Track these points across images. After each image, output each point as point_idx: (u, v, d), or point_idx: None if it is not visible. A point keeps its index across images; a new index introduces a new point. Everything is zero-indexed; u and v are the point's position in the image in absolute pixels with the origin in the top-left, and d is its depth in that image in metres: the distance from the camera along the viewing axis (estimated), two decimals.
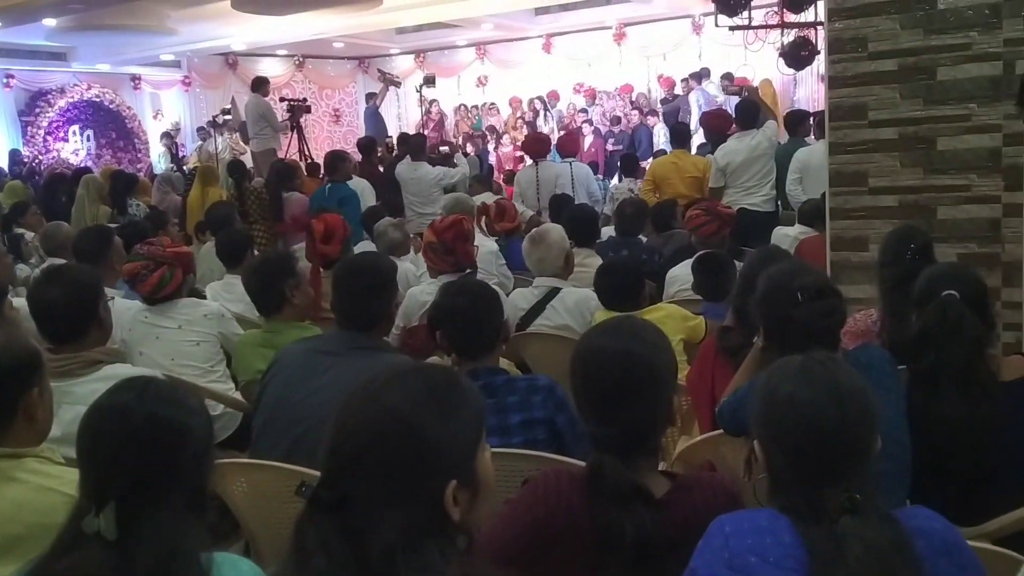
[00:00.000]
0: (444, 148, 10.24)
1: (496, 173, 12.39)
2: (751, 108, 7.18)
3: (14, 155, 13.68)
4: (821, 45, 6.61)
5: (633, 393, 1.70)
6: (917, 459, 2.11)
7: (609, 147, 13.77)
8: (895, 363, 2.22)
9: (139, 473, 1.36)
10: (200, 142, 14.74)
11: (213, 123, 14.38)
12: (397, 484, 1.25)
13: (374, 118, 14.30)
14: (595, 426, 1.72)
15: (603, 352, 1.75)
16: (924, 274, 2.41)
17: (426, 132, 13.34)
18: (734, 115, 7.52)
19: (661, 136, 13.17)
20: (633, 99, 14.87)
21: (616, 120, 14.30)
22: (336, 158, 7.90)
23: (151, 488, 1.37)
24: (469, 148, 14.23)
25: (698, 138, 10.62)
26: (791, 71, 9.76)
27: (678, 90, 14.03)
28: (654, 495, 1.65)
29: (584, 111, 14.88)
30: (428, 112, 15.22)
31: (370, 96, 14.65)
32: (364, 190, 7.77)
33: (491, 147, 14.74)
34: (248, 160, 10.81)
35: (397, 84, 14.52)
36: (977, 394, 2.16)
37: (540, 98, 15.59)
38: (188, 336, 3.65)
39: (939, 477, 2.13)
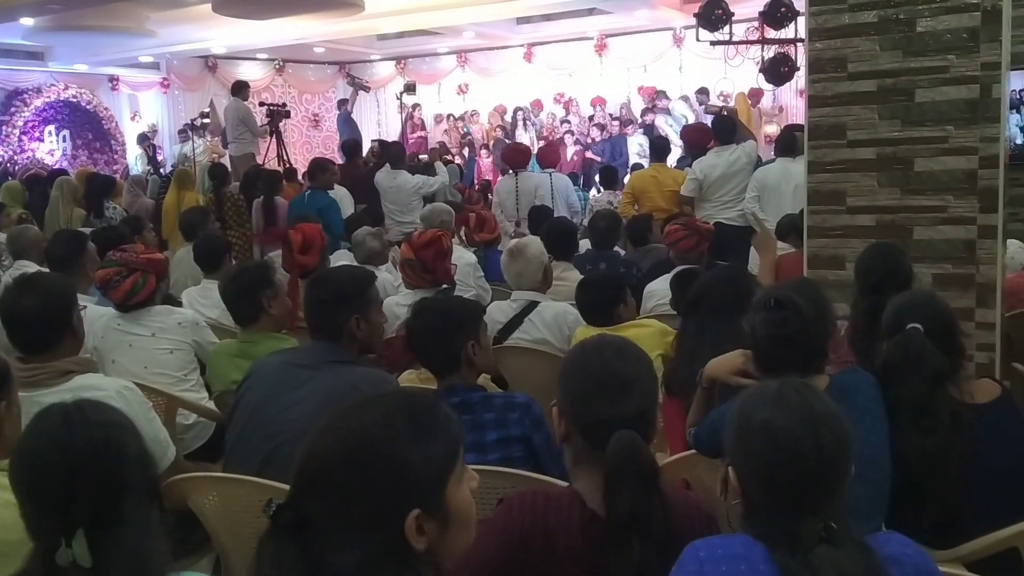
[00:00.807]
0: (423, 156, 10.23)
1: (474, 183, 12.41)
2: (728, 124, 7.23)
3: None
4: (801, 61, 6.66)
5: (641, 418, 1.70)
6: (894, 484, 2.12)
7: (588, 155, 13.81)
8: (880, 388, 2.22)
9: (94, 499, 1.36)
10: (178, 144, 14.66)
11: (191, 126, 14.29)
12: (359, 508, 1.23)
13: (347, 124, 14.28)
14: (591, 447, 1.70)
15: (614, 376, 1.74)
16: (892, 304, 2.43)
17: (410, 137, 13.31)
18: (713, 131, 7.56)
19: (636, 147, 13.21)
20: (611, 111, 14.92)
21: (601, 127, 14.31)
22: (317, 166, 7.88)
23: (108, 508, 1.37)
24: (457, 159, 14.22)
25: (677, 154, 10.65)
26: (771, 86, 9.86)
27: (646, 118, 14.02)
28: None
29: (567, 121, 14.91)
30: (411, 117, 15.19)
31: (342, 103, 14.61)
32: (343, 198, 7.74)
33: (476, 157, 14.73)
34: (226, 163, 10.75)
35: (367, 89, 14.53)
36: (927, 426, 2.19)
37: (521, 108, 15.61)
38: (161, 344, 3.61)
39: (913, 502, 2.14)
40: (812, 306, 2.15)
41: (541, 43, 15.94)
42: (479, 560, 1.68)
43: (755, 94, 12.83)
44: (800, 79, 7.95)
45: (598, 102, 15.25)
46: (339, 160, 9.72)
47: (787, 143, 6.55)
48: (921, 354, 2.23)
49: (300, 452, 1.29)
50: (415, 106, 15.67)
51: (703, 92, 13.44)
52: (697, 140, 7.68)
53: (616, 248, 5.76)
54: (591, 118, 14.70)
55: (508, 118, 15.68)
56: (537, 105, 15.81)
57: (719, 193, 6.84)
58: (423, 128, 15.97)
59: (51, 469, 1.38)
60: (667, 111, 13.64)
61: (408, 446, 1.27)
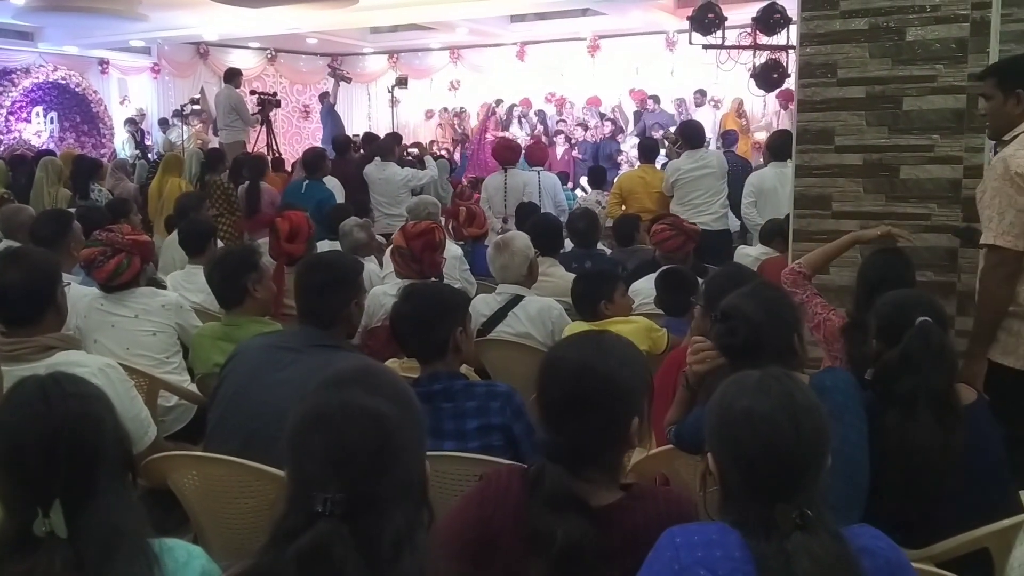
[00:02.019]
0: (413, 150, 10.22)
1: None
2: (697, 128, 7.53)
3: None
4: (792, 68, 6.69)
5: (584, 405, 1.69)
6: (876, 480, 2.13)
7: (574, 154, 13.83)
8: (858, 386, 2.24)
9: (70, 470, 1.36)
10: (161, 133, 14.61)
11: (180, 112, 14.23)
12: (407, 474, 1.32)
13: (330, 116, 14.26)
14: (546, 434, 1.74)
15: (561, 362, 1.76)
16: (887, 301, 2.42)
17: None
18: (680, 134, 7.69)
19: (628, 148, 13.26)
20: (605, 112, 14.94)
21: (584, 127, 14.33)
22: (318, 156, 7.93)
23: (84, 480, 1.37)
24: (456, 153, 14.23)
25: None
26: (761, 92, 9.92)
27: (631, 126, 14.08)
28: (591, 505, 1.65)
29: (563, 120, 14.91)
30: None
31: (323, 96, 14.57)
32: (335, 188, 7.77)
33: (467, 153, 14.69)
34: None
35: (347, 80, 14.49)
36: (952, 421, 2.18)
37: (513, 106, 15.60)
38: (144, 326, 3.60)
39: (895, 499, 2.15)
40: (762, 310, 2.16)
41: (534, 42, 15.96)
42: (453, 532, 1.72)
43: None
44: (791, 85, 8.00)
45: (591, 103, 15.27)
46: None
47: (779, 147, 6.61)
48: (943, 345, 2.22)
49: (326, 441, 1.30)
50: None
51: (701, 93, 13.53)
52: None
53: (601, 247, 5.78)
54: (581, 122, 14.70)
55: (502, 114, 15.64)
56: (526, 103, 15.78)
57: (690, 196, 6.98)
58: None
59: (29, 440, 1.38)
60: (659, 112, 13.72)
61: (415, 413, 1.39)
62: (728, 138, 10.42)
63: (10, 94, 14.74)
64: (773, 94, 11.28)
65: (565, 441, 1.69)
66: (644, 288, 4.47)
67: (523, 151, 8.32)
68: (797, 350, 2.20)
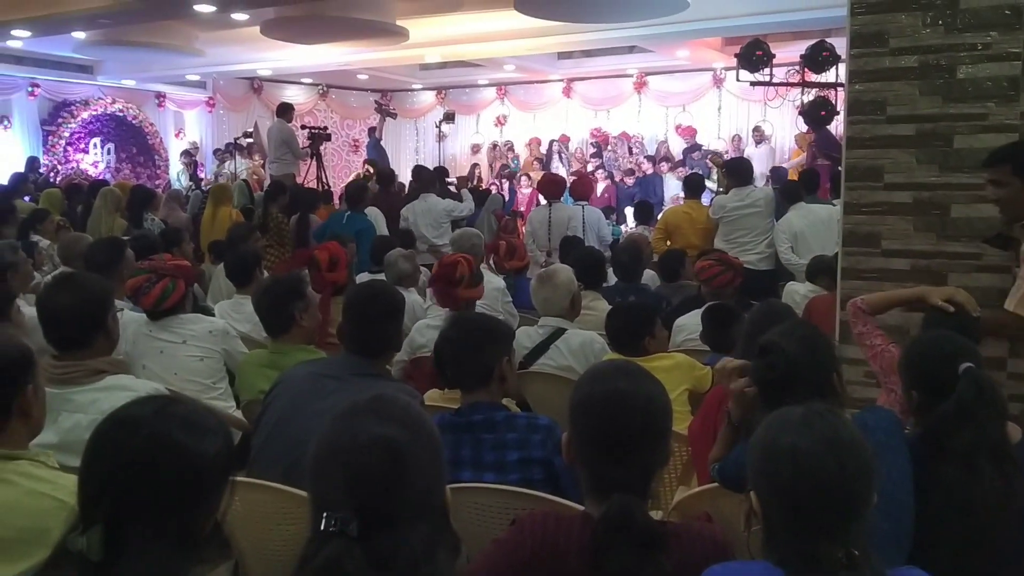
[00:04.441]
0: (452, 183, 10.34)
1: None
2: (745, 165, 7.48)
3: (32, 162, 13.76)
4: (841, 106, 6.68)
5: (653, 435, 1.73)
6: (934, 534, 2.06)
7: (624, 178, 13.86)
8: (901, 425, 2.19)
9: (133, 492, 1.33)
10: (217, 164, 14.91)
11: (234, 144, 14.53)
12: (421, 496, 1.33)
13: (376, 150, 14.46)
14: (607, 469, 1.71)
15: (623, 395, 1.74)
16: (920, 350, 2.32)
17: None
18: (727, 172, 7.68)
19: (672, 186, 13.25)
20: (648, 149, 14.97)
21: (629, 172, 14.35)
22: (360, 188, 8.07)
23: (145, 511, 1.34)
24: (503, 186, 14.34)
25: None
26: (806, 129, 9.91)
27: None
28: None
29: (598, 156, 14.95)
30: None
31: (371, 130, 14.87)
32: (376, 219, 7.85)
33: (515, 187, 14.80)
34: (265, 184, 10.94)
35: (393, 116, 14.71)
36: (1010, 468, 2.09)
37: (556, 141, 15.72)
38: (192, 351, 3.66)
39: (957, 555, 2.07)
40: (801, 346, 2.14)
41: (581, 78, 16.06)
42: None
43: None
44: (839, 124, 7.95)
45: (628, 139, 15.31)
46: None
47: (794, 191, 6.80)
48: (994, 391, 2.14)
49: (345, 465, 1.32)
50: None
51: (757, 130, 13.54)
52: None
53: (644, 282, 5.76)
54: (629, 151, 14.73)
55: (543, 149, 15.77)
56: (564, 139, 15.90)
57: (735, 234, 6.92)
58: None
59: (109, 443, 1.37)
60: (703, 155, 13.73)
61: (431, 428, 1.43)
62: (776, 174, 10.37)
63: (69, 125, 15.18)
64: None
65: (638, 475, 1.70)
66: (689, 323, 4.44)
67: (568, 185, 8.35)
68: (837, 388, 2.16)
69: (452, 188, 9.81)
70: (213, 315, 4.40)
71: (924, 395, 2.26)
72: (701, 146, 14.20)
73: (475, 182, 13.96)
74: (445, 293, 4.04)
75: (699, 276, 4.90)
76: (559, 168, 14.75)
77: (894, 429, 2.14)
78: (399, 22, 10.87)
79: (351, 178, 12.91)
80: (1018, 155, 3.10)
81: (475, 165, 16.18)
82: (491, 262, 5.94)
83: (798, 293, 5.46)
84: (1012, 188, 3.04)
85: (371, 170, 11.72)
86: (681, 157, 14.41)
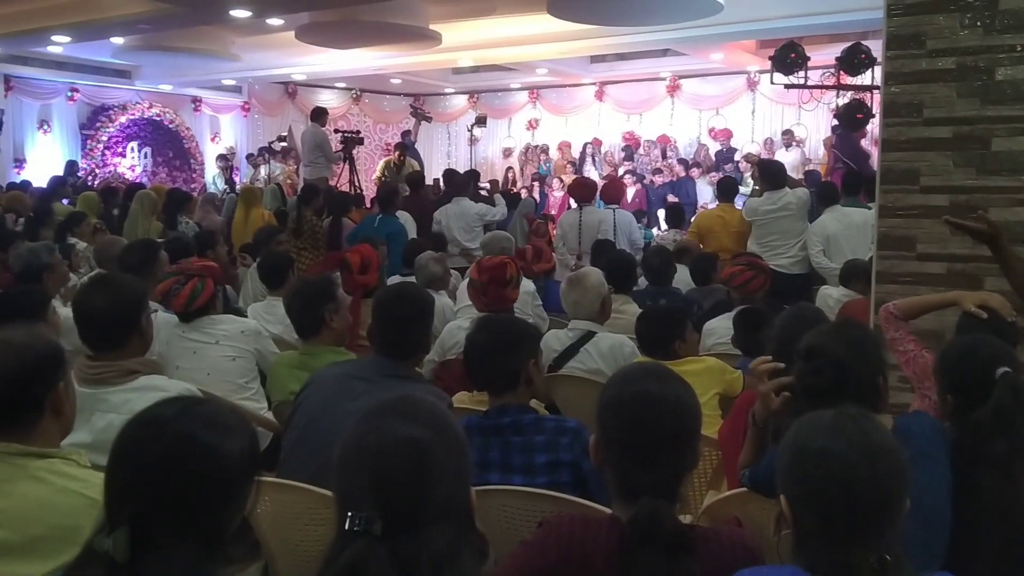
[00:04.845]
0: (484, 187, 10.34)
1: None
2: (778, 167, 7.38)
3: (71, 166, 14.01)
4: (876, 109, 6.60)
5: (683, 437, 1.72)
6: (970, 542, 2.01)
7: (654, 178, 13.82)
8: (944, 433, 2.15)
9: (159, 493, 1.33)
10: (251, 168, 15.05)
11: (269, 149, 14.66)
12: (446, 497, 1.33)
13: (410, 152, 14.50)
14: (635, 472, 1.70)
15: (652, 397, 1.73)
16: (955, 354, 2.26)
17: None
18: (760, 174, 7.62)
19: (705, 189, 13.17)
20: (681, 152, 14.88)
21: (657, 171, 14.28)
22: (391, 191, 8.09)
23: (170, 512, 1.33)
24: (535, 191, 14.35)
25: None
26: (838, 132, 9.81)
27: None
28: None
29: (629, 160, 14.90)
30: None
31: (405, 134, 14.98)
32: (407, 222, 7.88)
33: (546, 191, 14.79)
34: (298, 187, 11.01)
35: (428, 119, 14.76)
36: None
37: (588, 144, 15.69)
38: (225, 351, 3.69)
39: (994, 562, 2.03)
40: (849, 348, 2.06)
41: (613, 82, 16.03)
42: None
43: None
44: (875, 127, 7.87)
45: (662, 141, 15.24)
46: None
47: (831, 193, 6.73)
48: None
49: (369, 466, 1.32)
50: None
51: (788, 133, 13.43)
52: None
53: (675, 286, 5.73)
54: (662, 153, 14.64)
55: (575, 153, 15.74)
56: (596, 143, 15.86)
57: (768, 238, 6.87)
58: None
59: (136, 443, 1.38)
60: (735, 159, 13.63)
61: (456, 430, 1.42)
62: (811, 177, 10.27)
63: (107, 129, 15.41)
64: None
65: (667, 478, 1.69)
66: (719, 327, 4.41)
67: (598, 189, 8.32)
68: (881, 390, 2.11)
69: (484, 192, 9.82)
70: (245, 317, 4.44)
71: (959, 400, 2.21)
72: (735, 151, 14.07)
73: (508, 186, 13.98)
74: (498, 294, 4.04)
75: (729, 283, 4.85)
76: (591, 172, 14.71)
77: (936, 436, 2.09)
78: (432, 26, 10.91)
79: (380, 165, 12.90)
80: None
81: (509, 169, 16.21)
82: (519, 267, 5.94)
83: (831, 297, 5.41)
84: None
85: (402, 156, 11.72)
86: (714, 161, 14.32)
